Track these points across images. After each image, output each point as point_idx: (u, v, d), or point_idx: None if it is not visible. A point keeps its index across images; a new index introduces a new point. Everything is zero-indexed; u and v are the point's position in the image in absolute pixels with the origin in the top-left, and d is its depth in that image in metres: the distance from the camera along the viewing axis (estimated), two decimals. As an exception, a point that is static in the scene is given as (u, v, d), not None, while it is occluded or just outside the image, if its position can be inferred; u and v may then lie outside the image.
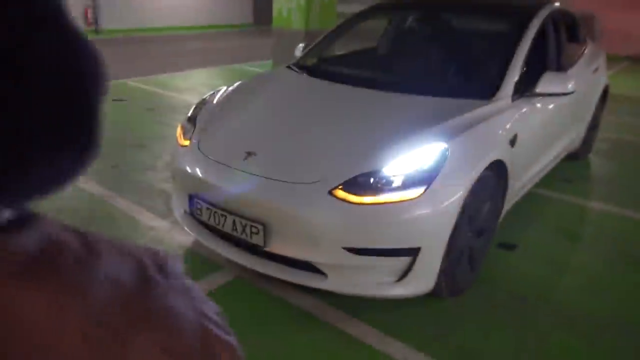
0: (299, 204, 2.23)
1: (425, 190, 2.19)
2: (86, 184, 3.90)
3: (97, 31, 14.23)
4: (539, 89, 2.90)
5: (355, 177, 2.25)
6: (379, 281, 2.30)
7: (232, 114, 2.94)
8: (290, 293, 2.61)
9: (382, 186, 2.23)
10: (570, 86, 2.91)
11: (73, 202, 3.60)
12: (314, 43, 3.85)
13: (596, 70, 4.38)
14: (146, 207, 3.55)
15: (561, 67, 3.67)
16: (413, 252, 2.23)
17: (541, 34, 3.31)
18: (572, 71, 3.69)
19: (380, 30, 4.46)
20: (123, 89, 7.35)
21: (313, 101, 3.02)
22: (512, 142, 2.75)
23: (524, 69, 3.01)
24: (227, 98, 3.13)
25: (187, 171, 2.62)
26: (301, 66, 3.60)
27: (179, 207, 2.90)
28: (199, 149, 2.69)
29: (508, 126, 2.75)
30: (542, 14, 3.38)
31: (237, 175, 2.41)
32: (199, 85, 7.97)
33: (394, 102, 2.85)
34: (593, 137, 4.79)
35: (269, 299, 2.58)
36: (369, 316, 2.46)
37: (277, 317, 2.47)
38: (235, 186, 2.38)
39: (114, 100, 6.66)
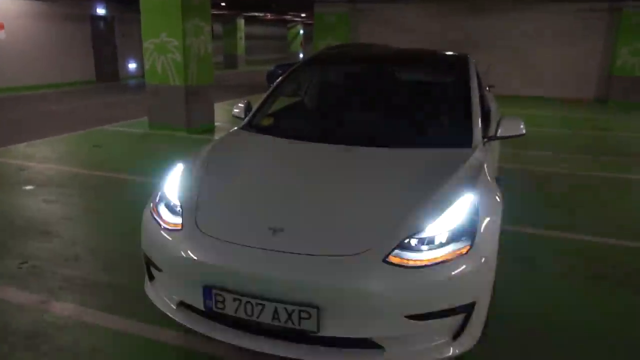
0: (356, 278, 2.06)
1: (472, 243, 2.20)
2: (3, 293, 3.12)
3: None
4: (501, 133, 3.15)
5: (403, 240, 2.16)
6: (436, 344, 2.22)
7: (222, 188, 2.63)
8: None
9: (431, 245, 2.18)
10: (522, 127, 3.22)
11: (4, 320, 2.84)
12: (257, 104, 3.69)
13: (497, 111, 4.94)
14: (98, 307, 2.96)
15: (486, 110, 4.06)
16: (470, 308, 2.20)
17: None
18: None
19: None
20: (-22, 167, 6.17)
21: (307, 164, 2.86)
22: (498, 183, 2.93)
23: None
24: (204, 170, 2.79)
25: (193, 259, 2.25)
26: (259, 127, 3.42)
27: (169, 300, 2.47)
28: (200, 230, 2.35)
29: (491, 170, 2.93)
30: (472, 62, 3.72)
31: (272, 256, 2.15)
32: (74, 152, 7.06)
33: (389, 157, 2.85)
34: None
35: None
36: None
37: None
38: (275, 269, 2.11)
39: (-29, 181, 5.55)
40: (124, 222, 4.24)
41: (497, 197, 2.59)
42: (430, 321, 2.14)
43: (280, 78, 3.88)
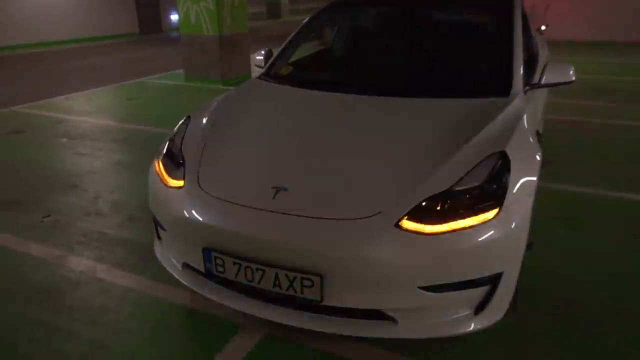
0: (363, 244, 1.84)
1: (500, 208, 1.92)
2: (21, 246, 3.13)
3: (-44, 53, 12.28)
4: (546, 79, 2.78)
5: (420, 203, 1.91)
6: (455, 317, 2.00)
7: (229, 142, 2.44)
8: (335, 343, 2.21)
9: (452, 209, 1.92)
10: (571, 73, 2.82)
11: (15, 272, 2.85)
12: (279, 50, 3.42)
13: (548, 56, 4.45)
14: (112, 264, 2.91)
15: (534, 56, 3.63)
16: (494, 279, 1.95)
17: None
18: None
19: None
20: (16, 119, 6.28)
21: (321, 116, 2.61)
22: (538, 138, 2.59)
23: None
24: (214, 123, 2.61)
25: (194, 219, 2.10)
26: (277, 77, 3.17)
27: (175, 261, 2.36)
28: (201, 188, 2.18)
29: (532, 122, 2.58)
30: (518, 2, 3.28)
31: (272, 218, 1.96)
32: (108, 105, 7.07)
33: (413, 108, 2.55)
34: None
35: (316, 356, 2.17)
36: (439, 355, 2.15)
37: (334, 377, 2.07)
38: (274, 232, 1.93)
39: (10, 133, 5.65)
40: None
41: (535, 155, 2.27)
42: (448, 293, 1.92)
43: (302, 23, 3.58)
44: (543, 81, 2.79)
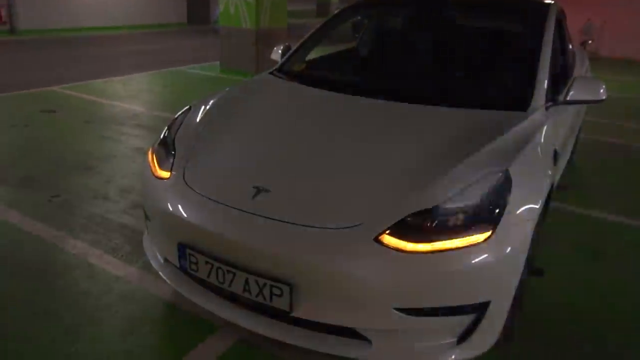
0: (337, 256, 1.72)
1: (493, 231, 1.75)
2: (25, 223, 3.16)
3: (12, 31, 12.82)
4: (572, 96, 2.56)
5: (405, 218, 1.76)
6: (435, 345, 1.84)
7: (222, 137, 2.36)
8: (311, 357, 2.09)
9: (439, 228, 1.76)
10: (602, 91, 2.60)
11: (13, 248, 2.87)
12: (297, 45, 3.32)
13: (586, 72, 4.18)
14: (106, 250, 2.89)
15: (568, 70, 3.39)
16: (481, 308, 1.79)
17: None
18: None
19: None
20: (52, 98, 6.44)
21: (321, 118, 2.49)
22: (555, 159, 2.39)
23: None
24: (211, 116, 2.54)
25: (172, 213, 2.03)
26: (289, 73, 3.07)
27: (157, 254, 2.30)
28: (185, 182, 2.11)
29: (550, 141, 2.38)
30: (553, 11, 3.06)
31: (247, 219, 1.86)
32: (140, 91, 7.17)
33: (420, 117, 2.39)
34: (577, 143, 4.61)
35: (288, 369, 2.06)
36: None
37: (303, 393, 1.95)
38: (246, 234, 1.83)
39: (42, 111, 5.79)
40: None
41: (544, 176, 2.09)
42: (428, 318, 1.77)
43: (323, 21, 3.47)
44: (569, 97, 2.57)
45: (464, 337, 1.84)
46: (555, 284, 2.72)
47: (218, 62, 9.03)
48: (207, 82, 8.05)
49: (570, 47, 3.97)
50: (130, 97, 6.72)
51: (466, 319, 1.81)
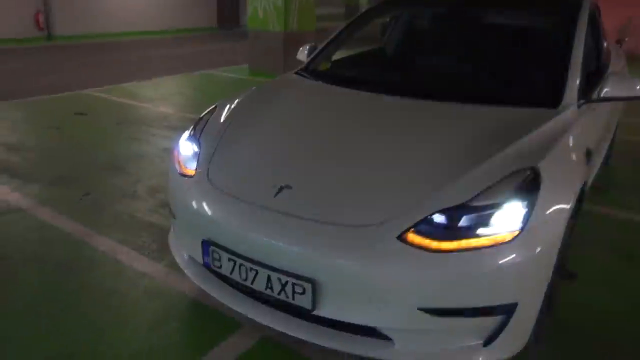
0: (361, 255, 1.70)
1: (521, 229, 1.70)
2: (56, 220, 3.23)
3: (49, 37, 13.25)
4: (606, 93, 2.47)
5: (430, 216, 1.73)
6: (461, 346, 1.80)
7: (246, 135, 2.37)
8: (334, 357, 2.07)
9: (465, 226, 1.72)
10: (638, 88, 2.50)
11: (43, 244, 2.94)
12: (322, 45, 3.32)
13: (622, 70, 4.03)
14: (133, 247, 2.93)
15: (602, 67, 3.28)
16: (508, 309, 1.74)
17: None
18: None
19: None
20: (84, 101, 6.61)
21: (345, 116, 2.47)
22: (588, 157, 2.31)
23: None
24: (236, 115, 2.55)
25: (196, 210, 2.04)
26: (314, 72, 3.06)
27: (182, 250, 2.32)
28: (209, 180, 2.12)
29: (582, 139, 2.30)
30: (586, 7, 2.96)
31: (269, 216, 1.85)
32: (170, 94, 7.28)
33: (446, 114, 2.35)
34: (613, 143, 4.45)
35: (310, 368, 2.04)
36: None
37: (325, 393, 1.93)
38: (269, 231, 1.82)
39: (76, 113, 5.94)
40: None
41: (576, 175, 2.01)
42: (451, 319, 1.72)
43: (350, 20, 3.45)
44: (603, 94, 2.49)
45: (490, 340, 1.78)
46: (588, 287, 2.63)
47: (247, 65, 9.11)
48: (236, 84, 8.12)
49: (606, 44, 3.84)
50: (160, 100, 6.84)
51: (493, 321, 1.75)
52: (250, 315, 1.98)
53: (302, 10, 8.12)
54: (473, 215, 1.72)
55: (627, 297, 2.58)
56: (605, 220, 3.45)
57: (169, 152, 4.60)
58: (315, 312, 1.78)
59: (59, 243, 2.96)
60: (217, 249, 1.95)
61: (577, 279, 2.66)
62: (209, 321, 2.31)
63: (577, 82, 2.46)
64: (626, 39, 5.21)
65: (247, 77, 8.68)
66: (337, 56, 3.39)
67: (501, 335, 1.77)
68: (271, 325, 1.92)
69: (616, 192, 3.95)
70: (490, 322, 1.76)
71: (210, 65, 9.76)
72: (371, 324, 1.76)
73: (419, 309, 1.69)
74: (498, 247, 1.68)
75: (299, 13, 8.06)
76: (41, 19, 12.96)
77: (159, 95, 7.14)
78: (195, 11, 16.67)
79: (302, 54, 3.38)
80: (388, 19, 4.14)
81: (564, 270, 2.47)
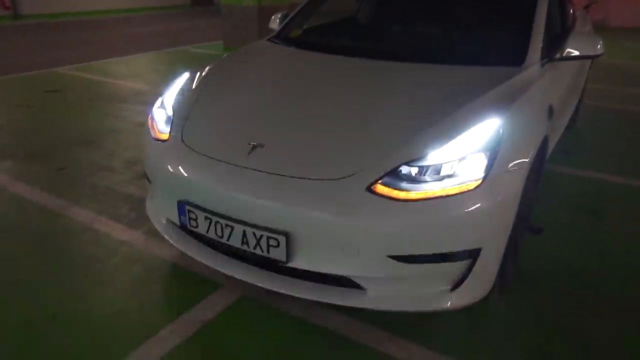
0: (332, 206, 1.76)
1: (484, 178, 1.78)
2: (32, 194, 3.23)
3: (15, 16, 12.85)
4: (568, 52, 2.56)
5: (397, 168, 1.80)
6: (429, 292, 1.89)
7: (218, 99, 2.40)
8: (312, 312, 2.15)
9: (430, 177, 1.79)
10: (599, 47, 2.59)
11: (20, 216, 2.95)
12: (294, 12, 3.33)
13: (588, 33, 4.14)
14: (110, 217, 2.95)
15: (567, 29, 3.37)
16: (473, 254, 1.83)
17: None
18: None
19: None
20: (56, 79, 6.50)
21: (316, 78, 2.52)
22: (550, 113, 2.40)
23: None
24: (207, 80, 2.57)
25: (172, 172, 2.08)
26: (286, 39, 3.08)
27: (159, 215, 2.35)
28: (183, 142, 2.15)
29: (544, 96, 2.39)
30: (551, -29, 3.03)
31: (243, 174, 1.90)
32: (144, 70, 7.19)
33: (414, 73, 2.41)
34: (580, 105, 4.59)
35: (288, 321, 2.12)
36: (411, 332, 2.05)
37: (303, 342, 2.01)
38: (243, 188, 1.87)
39: (47, 91, 5.85)
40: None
41: (537, 129, 2.10)
42: (420, 265, 1.81)
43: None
44: (565, 53, 2.57)
45: (457, 285, 1.88)
46: (554, 241, 2.75)
47: (221, 42, 9.01)
48: (208, 59, 8.04)
49: (572, 11, 3.93)
50: (133, 76, 6.75)
51: (459, 266, 1.85)
52: (227, 272, 2.04)
53: (275, -17, 8.03)
54: (438, 166, 1.80)
55: (592, 249, 2.71)
56: (570, 180, 3.59)
57: (143, 126, 4.59)
58: (289, 264, 1.85)
59: (36, 215, 2.97)
60: (193, 209, 1.99)
61: (543, 234, 2.78)
62: (188, 283, 2.37)
63: (540, 42, 2.54)
64: (595, 2, 5.30)
65: (221, 52, 8.59)
66: (308, 26, 3.42)
67: (467, 280, 1.87)
68: (248, 280, 1.98)
69: (582, 153, 4.10)
70: (456, 268, 1.85)
71: (184, 42, 9.62)
72: (343, 273, 1.84)
73: (388, 256, 1.77)
74: (462, 195, 1.76)
75: (272, -14, 7.97)
76: (6, -3, 12.55)
77: (132, 72, 7.04)
78: (166, -12, 16.31)
79: (275, 23, 3.39)
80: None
81: (529, 225, 2.59)
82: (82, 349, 1.96)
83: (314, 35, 3.20)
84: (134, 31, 11.58)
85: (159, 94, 5.37)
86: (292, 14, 3.30)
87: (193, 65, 7.59)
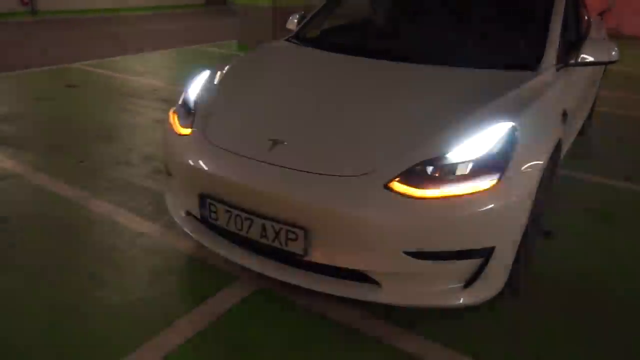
0: (349, 202, 1.81)
1: (499, 179, 1.83)
2: (53, 185, 3.31)
3: (34, 12, 13.03)
4: (583, 57, 2.60)
5: (414, 167, 1.85)
6: (443, 288, 1.94)
7: (240, 96, 2.46)
8: (327, 305, 2.21)
9: (447, 176, 1.85)
10: (614, 54, 2.63)
11: (42, 207, 3.03)
12: (312, 13, 3.39)
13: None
14: (129, 209, 3.03)
15: (581, 35, 3.40)
16: (486, 253, 1.88)
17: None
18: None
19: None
20: (74, 74, 6.61)
21: (335, 78, 2.58)
22: (564, 118, 2.44)
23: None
24: (229, 77, 2.64)
25: (194, 166, 2.14)
26: (304, 39, 3.14)
27: (178, 207, 2.42)
28: (206, 137, 2.22)
29: (559, 100, 2.43)
30: (567, -23, 3.06)
31: (264, 168, 1.96)
32: (159, 67, 7.29)
33: (430, 75, 2.46)
34: (592, 112, 4.61)
35: (304, 314, 2.17)
36: (426, 328, 2.10)
37: (318, 335, 2.06)
38: (264, 182, 1.93)
39: (66, 86, 5.95)
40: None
41: (551, 133, 2.15)
42: (434, 262, 1.86)
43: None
44: (580, 59, 2.61)
45: (469, 282, 1.93)
46: (565, 244, 2.79)
47: (235, 41, 9.10)
48: (224, 59, 8.12)
49: (587, 17, 3.96)
50: (149, 73, 6.85)
51: (472, 264, 1.89)
52: (245, 264, 2.10)
53: (290, -16, 8.10)
54: (454, 166, 1.85)
55: (602, 252, 2.74)
56: (581, 185, 3.62)
57: (160, 122, 4.67)
58: (307, 258, 1.91)
59: (57, 206, 3.05)
60: (214, 202, 2.06)
61: (554, 237, 2.82)
62: (205, 275, 2.43)
63: (556, 47, 2.58)
64: (609, 10, 5.32)
65: (236, 52, 8.68)
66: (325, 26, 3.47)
67: (480, 278, 1.91)
68: (265, 272, 2.04)
69: (593, 159, 4.12)
70: (469, 265, 1.90)
71: (198, 41, 9.73)
72: (359, 267, 1.89)
73: (404, 252, 1.82)
74: (477, 196, 1.81)
75: (287, -13, 8.05)
76: (25, -7, 12.74)
77: (147, 69, 7.14)
78: (182, -13, 16.46)
79: (292, 23, 3.45)
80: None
81: (541, 229, 2.62)
82: (102, 334, 2.03)
83: (332, 36, 3.26)
84: (148, 29, 11.71)
85: (175, 91, 5.45)
86: (310, 15, 3.36)
87: (207, 63, 7.69)
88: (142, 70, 7.03)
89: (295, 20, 3.43)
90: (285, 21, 3.40)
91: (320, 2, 3.51)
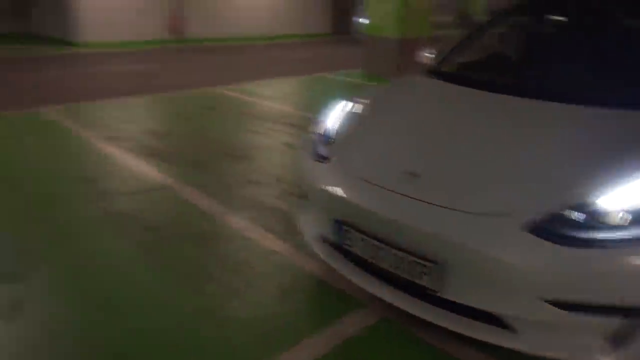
0: (483, 241, 1.78)
1: (660, 232, 1.68)
2: (195, 199, 3.64)
3: (181, 40, 14.55)
4: None
5: (561, 211, 1.76)
6: (586, 344, 1.80)
7: (376, 127, 2.54)
8: (451, 343, 2.16)
9: (598, 224, 1.73)
10: None
11: (186, 218, 3.34)
12: (450, 47, 3.40)
13: None
14: (263, 227, 3.22)
15: None
16: (635, 313, 1.72)
17: None
18: None
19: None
20: (213, 97, 7.23)
21: (474, 114, 2.55)
22: None
23: None
24: (367, 109, 2.74)
25: (331, 192, 2.24)
26: (441, 73, 3.16)
27: (312, 230, 2.52)
28: (343, 165, 2.31)
29: None
30: None
31: (399, 200, 2.00)
32: (288, 93, 7.73)
33: (576, 115, 2.34)
34: None
35: (426, 349, 2.14)
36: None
37: (442, 375, 2.02)
38: (399, 214, 1.96)
39: (203, 108, 6.53)
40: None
41: None
42: (580, 314, 1.74)
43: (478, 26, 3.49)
44: None
45: (622, 342, 1.77)
46: None
47: (360, 70, 9.36)
48: (350, 88, 8.40)
49: None
50: (279, 98, 7.29)
51: (627, 322, 1.74)
52: (375, 293, 2.13)
53: (418, 17, 8.19)
54: (604, 214, 1.73)
55: None
56: None
57: (289, 146, 4.94)
58: (439, 294, 1.89)
59: (196, 217, 3.34)
60: (349, 228, 2.13)
61: None
62: (333, 298, 2.50)
63: None
64: None
65: (362, 80, 8.92)
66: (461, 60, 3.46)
67: (634, 341, 1.75)
68: (395, 303, 2.05)
69: None
70: (619, 323, 1.74)
71: (326, 69, 10.15)
72: (494, 310, 1.83)
73: (545, 301, 1.73)
74: (632, 248, 1.67)
75: (415, 20, 8.14)
76: (175, 23, 14.29)
77: (277, 94, 7.60)
78: (311, 18, 17.41)
79: (424, 57, 3.48)
80: (514, 24, 4.09)
81: None
82: (236, 341, 2.17)
83: (468, 71, 3.23)
84: (281, 56, 12.49)
85: (303, 116, 5.72)
86: (445, 51, 3.37)
87: (334, 91, 7.99)
88: (272, 95, 7.49)
89: (427, 55, 3.45)
90: (410, 52, 3.46)
91: (444, 35, 3.51)
